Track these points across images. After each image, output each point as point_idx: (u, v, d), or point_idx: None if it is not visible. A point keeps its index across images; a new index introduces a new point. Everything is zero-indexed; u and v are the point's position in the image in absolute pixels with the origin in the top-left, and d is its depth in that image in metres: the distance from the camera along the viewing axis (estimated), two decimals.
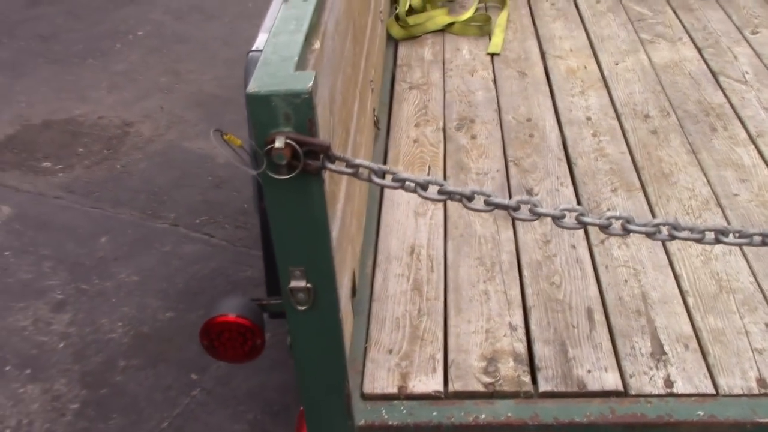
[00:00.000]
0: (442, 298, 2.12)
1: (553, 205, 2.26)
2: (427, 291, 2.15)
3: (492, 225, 2.35)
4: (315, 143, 1.39)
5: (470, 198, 1.55)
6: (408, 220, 2.40)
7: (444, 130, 2.83)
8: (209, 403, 2.88)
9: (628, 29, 3.44)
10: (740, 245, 1.61)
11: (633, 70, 3.10)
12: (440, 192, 1.51)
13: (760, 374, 1.85)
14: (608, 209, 2.39)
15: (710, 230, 1.63)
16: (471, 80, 3.13)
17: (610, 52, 3.24)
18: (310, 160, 1.43)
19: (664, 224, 1.63)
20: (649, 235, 1.58)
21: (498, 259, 2.24)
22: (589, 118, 2.83)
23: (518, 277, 2.17)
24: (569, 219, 1.63)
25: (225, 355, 1.77)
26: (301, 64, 1.50)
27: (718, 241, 1.59)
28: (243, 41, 3.77)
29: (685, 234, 1.63)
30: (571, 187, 2.50)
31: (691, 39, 3.33)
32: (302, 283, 1.55)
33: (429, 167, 2.64)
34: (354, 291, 2.07)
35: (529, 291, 2.13)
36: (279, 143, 1.35)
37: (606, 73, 3.10)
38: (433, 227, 2.37)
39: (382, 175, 1.52)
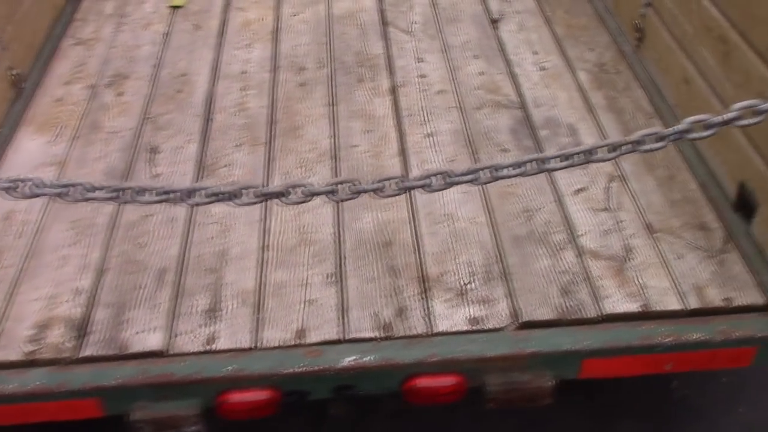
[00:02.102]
0: (20, 266, 2.05)
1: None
2: (6, 259, 2.07)
3: None
4: None
5: None
6: None
7: (93, 87, 2.72)
8: None
9: None
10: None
11: (307, 22, 3.07)
12: None
13: (302, 325, 1.87)
14: (225, 165, 2.37)
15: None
16: (142, 35, 3.02)
17: (292, 4, 3.19)
18: None
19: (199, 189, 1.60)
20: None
21: (94, 221, 2.18)
22: (244, 72, 2.79)
23: (107, 240, 2.12)
24: (74, 193, 1.59)
25: None
26: None
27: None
28: None
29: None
30: (198, 144, 2.45)
31: None
32: None
33: (60, 128, 2.53)
34: None
35: (111, 253, 2.08)
36: None
37: (280, 25, 3.06)
38: None
39: None
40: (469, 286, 1.97)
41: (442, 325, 1.88)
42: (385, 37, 2.97)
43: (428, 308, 1.91)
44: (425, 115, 2.55)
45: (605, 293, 1.94)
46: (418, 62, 2.82)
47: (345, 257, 2.05)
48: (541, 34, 2.96)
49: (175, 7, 3.18)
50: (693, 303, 1.91)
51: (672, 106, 2.51)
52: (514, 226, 2.14)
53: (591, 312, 1.90)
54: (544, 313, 1.90)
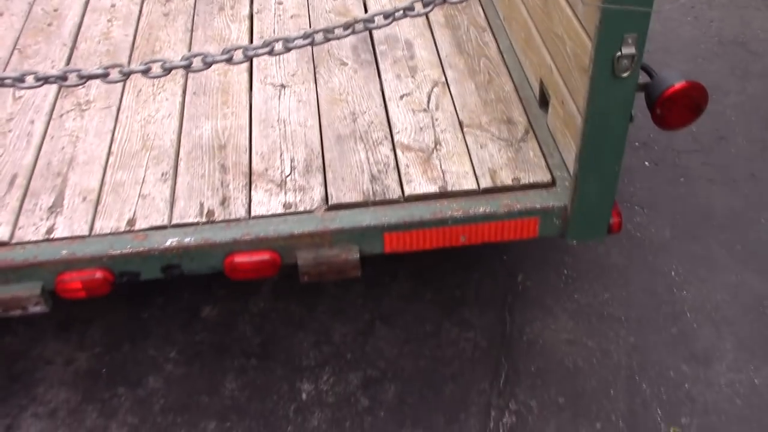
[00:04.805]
0: None
1: None
2: None
3: None
4: None
5: None
6: None
7: None
8: None
9: None
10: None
11: None
12: None
13: (133, 216, 2.09)
14: (83, 87, 2.56)
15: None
16: None
17: None
18: None
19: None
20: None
21: None
22: (113, 5, 2.96)
23: None
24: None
25: None
26: None
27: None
28: None
29: None
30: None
31: None
32: None
33: None
34: None
35: None
36: None
37: None
38: None
39: None
40: (289, 177, 2.19)
41: (259, 210, 2.10)
42: None
43: (249, 197, 2.14)
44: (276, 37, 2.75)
45: (410, 178, 2.17)
46: None
47: (180, 159, 2.26)
48: None
49: None
50: (486, 183, 2.15)
51: (502, 20, 2.73)
52: (339, 127, 2.36)
53: (394, 194, 2.13)
54: (351, 197, 2.13)
